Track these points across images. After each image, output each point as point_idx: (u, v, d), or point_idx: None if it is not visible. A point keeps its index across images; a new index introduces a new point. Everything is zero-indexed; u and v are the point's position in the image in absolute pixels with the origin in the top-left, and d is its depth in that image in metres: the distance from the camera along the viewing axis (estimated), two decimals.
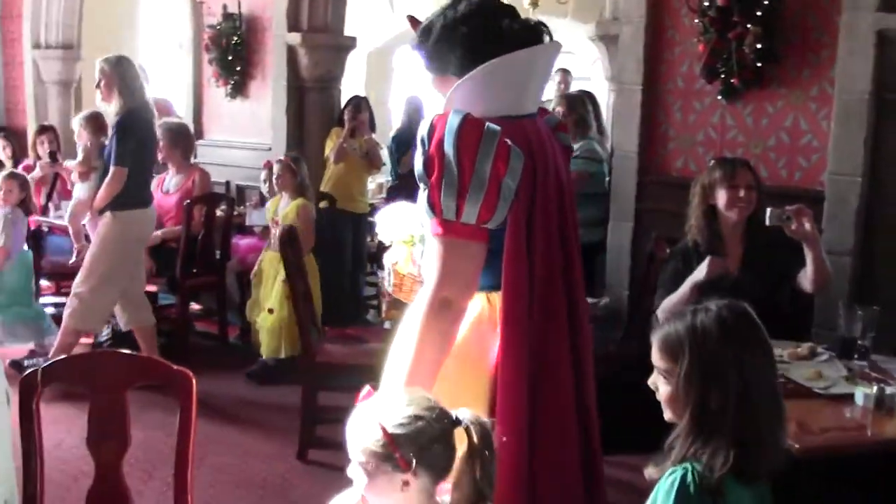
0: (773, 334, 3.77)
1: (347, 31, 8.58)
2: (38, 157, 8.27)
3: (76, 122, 7.26)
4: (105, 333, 7.05)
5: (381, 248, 7.75)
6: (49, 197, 8.21)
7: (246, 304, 7.12)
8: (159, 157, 6.86)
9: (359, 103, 8.00)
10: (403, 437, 2.07)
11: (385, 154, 9.05)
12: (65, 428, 5.31)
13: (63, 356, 3.01)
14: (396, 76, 16.30)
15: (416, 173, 2.49)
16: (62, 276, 8.13)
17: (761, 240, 4.29)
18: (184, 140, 7.34)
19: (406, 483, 2.09)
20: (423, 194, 2.47)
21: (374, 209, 8.74)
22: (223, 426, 5.74)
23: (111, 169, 6.02)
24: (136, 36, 12.62)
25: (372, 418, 2.11)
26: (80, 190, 7.17)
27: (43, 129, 8.54)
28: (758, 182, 4.40)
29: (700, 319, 2.22)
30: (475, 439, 2.11)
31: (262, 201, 7.62)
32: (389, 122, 13.33)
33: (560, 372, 2.58)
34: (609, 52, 6.44)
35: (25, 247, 7.19)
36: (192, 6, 9.24)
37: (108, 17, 11.76)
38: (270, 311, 6.58)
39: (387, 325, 5.20)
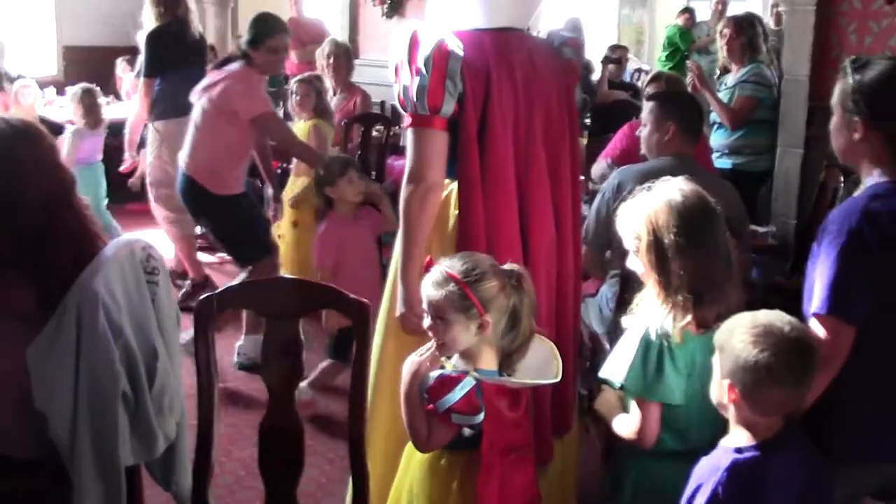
0: None
1: None
2: None
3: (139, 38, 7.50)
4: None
5: None
6: None
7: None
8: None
9: (570, 36, 7.78)
10: (478, 287, 2.56)
11: None
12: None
13: (244, 282, 2.98)
14: None
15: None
16: None
17: None
18: (347, 60, 7.31)
19: (482, 326, 2.57)
20: (395, 95, 3.02)
21: None
22: None
23: (140, 80, 6.59)
24: None
25: (448, 276, 2.57)
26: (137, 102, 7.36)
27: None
28: None
29: (653, 207, 2.68)
30: (525, 284, 2.64)
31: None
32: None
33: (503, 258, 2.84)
34: None
35: (100, 158, 7.59)
36: None
37: None
38: (280, 236, 6.35)
39: None
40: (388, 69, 2.97)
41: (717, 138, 6.17)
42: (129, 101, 9.32)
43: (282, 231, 6.44)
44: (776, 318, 2.29)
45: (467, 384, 2.52)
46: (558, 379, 2.68)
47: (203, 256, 7.66)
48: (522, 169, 3.07)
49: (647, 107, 4.29)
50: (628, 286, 3.13)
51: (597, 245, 4.17)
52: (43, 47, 11.14)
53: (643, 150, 4.30)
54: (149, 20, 6.51)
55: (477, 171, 2.98)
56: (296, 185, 6.42)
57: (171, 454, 2.88)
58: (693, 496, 2.32)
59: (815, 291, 2.54)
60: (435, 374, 2.58)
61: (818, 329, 2.52)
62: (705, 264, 2.62)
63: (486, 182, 3.00)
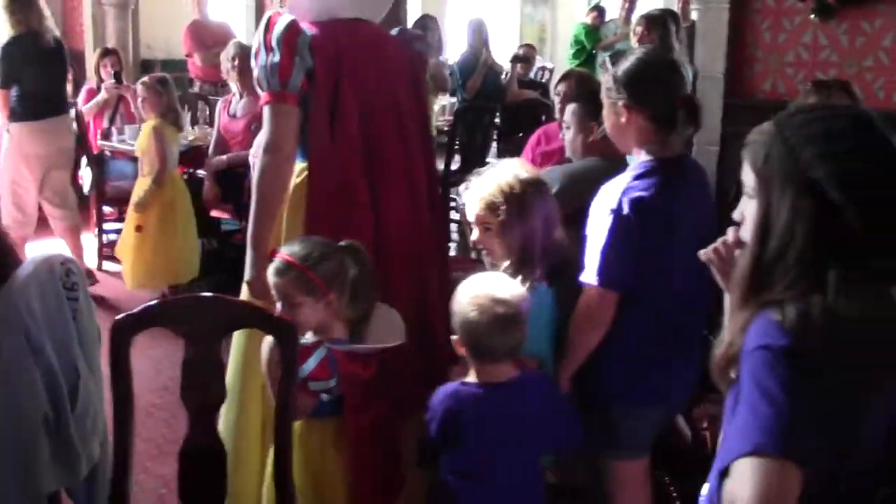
0: None
1: None
2: (101, 80, 8.12)
3: None
4: None
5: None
6: (112, 121, 8.06)
7: None
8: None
9: (419, 32, 7.68)
10: (318, 268, 2.83)
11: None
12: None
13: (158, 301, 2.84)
14: None
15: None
16: (124, 202, 8.04)
17: None
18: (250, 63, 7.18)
19: (329, 302, 2.86)
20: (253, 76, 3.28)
21: (439, 132, 8.54)
22: None
23: None
24: None
25: (289, 263, 2.83)
26: None
27: (106, 52, 8.36)
28: None
29: (507, 181, 3.06)
30: (362, 256, 2.96)
31: None
32: (444, 43, 13.11)
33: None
34: None
35: None
36: None
37: None
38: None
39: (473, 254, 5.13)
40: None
41: None
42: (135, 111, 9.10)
43: (123, 237, 6.45)
44: (492, 281, 2.81)
45: (320, 353, 2.84)
46: (402, 341, 2.95)
47: (110, 265, 7.49)
48: (372, 143, 3.30)
49: (569, 109, 4.19)
50: None
51: None
52: None
53: (568, 153, 4.23)
54: (4, 28, 6.72)
55: (328, 144, 3.22)
56: (140, 186, 6.40)
57: (93, 477, 2.77)
58: (430, 420, 2.81)
59: (586, 263, 2.91)
60: None
61: (589, 294, 2.91)
62: (537, 231, 3.08)
63: (336, 155, 3.24)
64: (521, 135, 8.79)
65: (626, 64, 2.97)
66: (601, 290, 2.88)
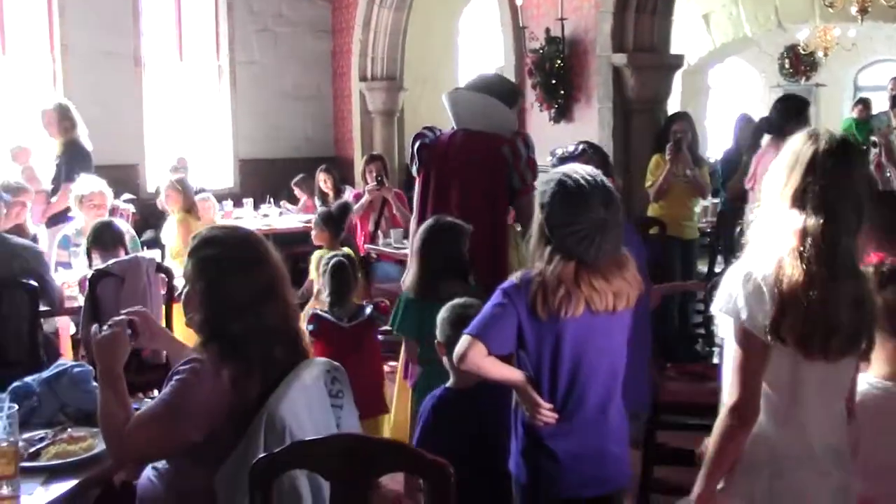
0: None
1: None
2: (367, 185, 8.43)
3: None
4: None
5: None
6: (377, 224, 8.35)
7: None
8: None
9: (679, 140, 7.32)
10: None
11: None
12: None
13: None
14: (713, 94, 15.86)
15: None
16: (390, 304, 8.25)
17: None
18: None
19: None
20: None
21: (703, 234, 8.33)
22: None
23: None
24: (454, 65, 12.76)
25: None
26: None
27: (371, 159, 8.71)
28: None
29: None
30: None
31: None
32: (706, 141, 12.93)
33: None
34: None
35: None
36: (512, 32, 9.15)
37: (428, 49, 11.99)
38: None
39: None
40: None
41: None
42: (299, 214, 9.64)
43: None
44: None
45: None
46: None
47: None
48: (446, 195, 4.94)
49: None
50: None
51: None
52: (221, 162, 11.67)
53: None
54: (61, 138, 7.81)
55: (424, 197, 5.04)
56: None
57: None
58: (421, 419, 3.64)
59: None
60: None
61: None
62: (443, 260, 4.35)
63: (430, 200, 4.98)
64: None
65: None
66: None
